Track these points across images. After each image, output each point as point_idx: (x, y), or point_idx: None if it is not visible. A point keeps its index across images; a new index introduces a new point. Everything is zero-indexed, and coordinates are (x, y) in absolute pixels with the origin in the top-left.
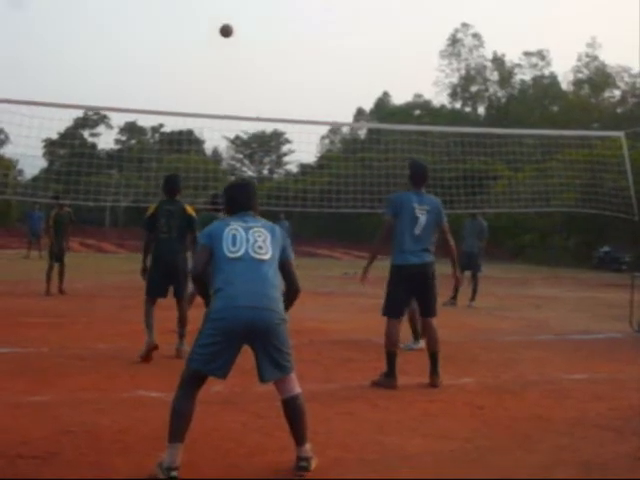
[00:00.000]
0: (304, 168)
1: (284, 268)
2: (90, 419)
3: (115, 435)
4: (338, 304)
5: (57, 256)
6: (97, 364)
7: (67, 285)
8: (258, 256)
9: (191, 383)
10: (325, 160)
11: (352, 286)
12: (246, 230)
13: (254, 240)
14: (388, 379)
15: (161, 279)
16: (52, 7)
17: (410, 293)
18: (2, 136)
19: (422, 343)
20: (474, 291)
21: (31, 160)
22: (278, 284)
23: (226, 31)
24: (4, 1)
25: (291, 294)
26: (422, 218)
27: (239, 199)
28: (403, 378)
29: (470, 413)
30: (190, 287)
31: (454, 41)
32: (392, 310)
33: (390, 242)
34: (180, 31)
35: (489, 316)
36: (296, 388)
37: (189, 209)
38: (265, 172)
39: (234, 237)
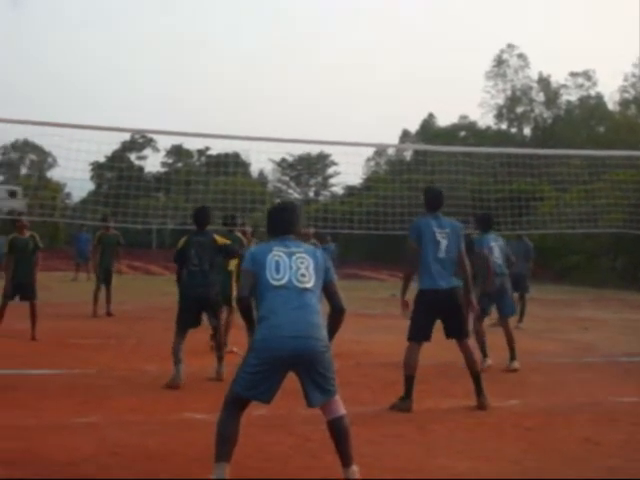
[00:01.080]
0: (350, 190)
1: (328, 290)
2: (137, 441)
3: (162, 457)
4: (384, 326)
5: (103, 278)
6: (144, 386)
7: (115, 307)
8: (301, 285)
9: (234, 406)
10: (371, 182)
11: (398, 308)
12: (289, 256)
13: (297, 267)
14: (404, 402)
15: (192, 310)
16: (97, 32)
17: (436, 317)
18: (50, 159)
19: (489, 361)
20: (522, 313)
21: (79, 183)
22: (320, 311)
23: None
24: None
25: (336, 315)
26: (443, 242)
27: (281, 222)
28: (449, 400)
29: (518, 435)
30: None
31: (500, 62)
32: (416, 334)
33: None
34: (225, 54)
35: (536, 338)
36: (341, 409)
37: (219, 239)
38: (311, 194)
39: (277, 264)
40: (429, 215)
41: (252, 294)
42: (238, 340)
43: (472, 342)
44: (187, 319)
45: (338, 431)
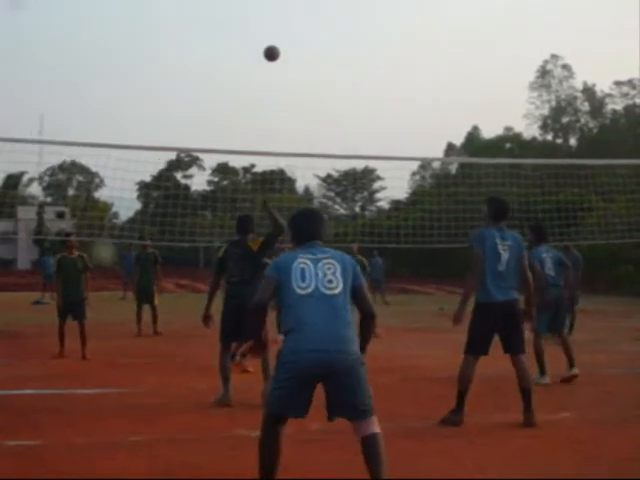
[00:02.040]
0: (396, 204)
1: (357, 294)
2: (189, 459)
3: (215, 474)
4: (432, 340)
5: (144, 297)
6: (194, 404)
7: (162, 325)
8: (329, 291)
9: (272, 424)
10: (417, 196)
11: (446, 322)
12: (315, 263)
13: (323, 274)
14: (455, 415)
15: (234, 324)
16: (141, 56)
17: (494, 331)
18: (97, 180)
19: (547, 379)
20: (571, 324)
21: (126, 203)
22: (351, 320)
23: (271, 54)
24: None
25: (367, 322)
26: (505, 254)
27: (306, 228)
28: (500, 414)
29: (571, 448)
30: None
31: (544, 73)
32: (473, 348)
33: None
34: (268, 72)
35: (586, 350)
36: (374, 427)
37: (253, 245)
38: (357, 209)
39: (303, 271)
40: (492, 226)
41: (271, 303)
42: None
43: (527, 357)
44: (229, 333)
45: (370, 449)
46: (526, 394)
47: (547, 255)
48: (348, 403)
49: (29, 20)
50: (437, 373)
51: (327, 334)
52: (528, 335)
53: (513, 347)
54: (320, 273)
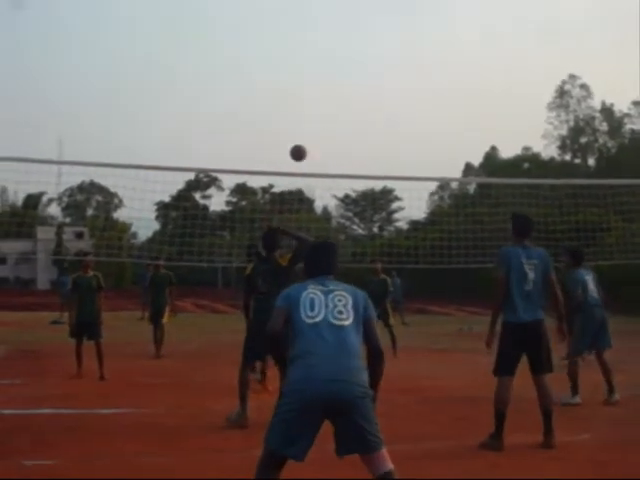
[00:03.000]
0: (414, 224)
1: (365, 328)
2: None
3: None
4: (452, 361)
5: (153, 318)
6: (213, 424)
7: (181, 345)
8: (339, 322)
9: (270, 465)
10: (435, 216)
11: (466, 342)
12: (326, 294)
13: (334, 305)
14: (494, 440)
15: (260, 342)
16: (151, 77)
17: (521, 351)
18: (116, 200)
19: (579, 398)
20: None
21: (145, 223)
22: (360, 352)
23: (298, 154)
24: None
25: (374, 359)
26: (531, 273)
27: (318, 262)
28: (521, 435)
29: (592, 470)
30: None
31: (562, 93)
32: (503, 368)
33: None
34: (284, 91)
35: (614, 369)
36: (387, 464)
37: (281, 260)
38: (375, 229)
39: (312, 301)
40: (517, 244)
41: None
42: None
43: (547, 378)
44: (253, 353)
45: None
46: (547, 415)
47: (589, 277)
48: (358, 438)
49: (46, 44)
50: (457, 393)
51: (335, 364)
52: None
53: (538, 367)
54: (330, 304)
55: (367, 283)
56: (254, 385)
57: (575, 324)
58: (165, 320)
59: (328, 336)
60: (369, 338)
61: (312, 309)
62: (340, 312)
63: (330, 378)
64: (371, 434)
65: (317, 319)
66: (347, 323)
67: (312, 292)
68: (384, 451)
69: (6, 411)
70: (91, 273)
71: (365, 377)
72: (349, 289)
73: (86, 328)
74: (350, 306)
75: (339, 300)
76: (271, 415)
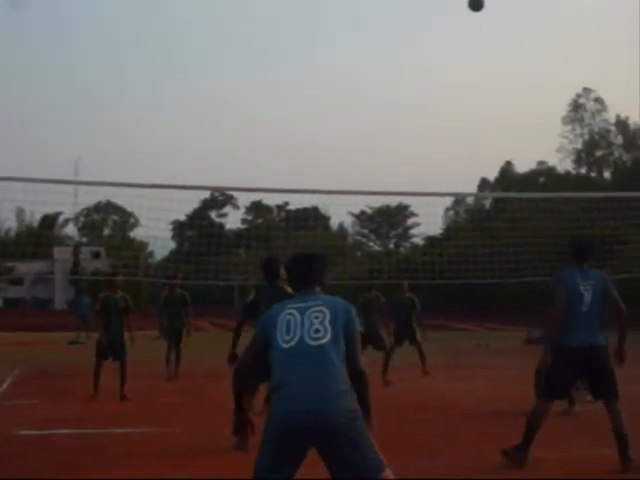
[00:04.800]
0: (430, 240)
1: (345, 345)
2: None
3: None
4: (471, 376)
5: (173, 339)
6: (231, 444)
7: (198, 365)
8: (315, 342)
9: None
10: (451, 231)
11: (484, 358)
12: (302, 312)
13: (310, 323)
14: (519, 453)
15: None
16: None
17: (576, 376)
18: (132, 220)
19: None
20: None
21: (161, 242)
22: (341, 374)
23: (476, 4)
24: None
25: (356, 380)
26: (587, 294)
27: (300, 274)
28: (538, 450)
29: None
30: None
31: (576, 106)
32: (551, 392)
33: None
34: (301, 108)
35: (633, 383)
36: None
37: (289, 289)
38: (391, 246)
39: (288, 323)
40: (574, 267)
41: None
42: None
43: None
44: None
45: None
46: (622, 439)
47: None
48: (349, 463)
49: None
50: (477, 409)
51: (312, 392)
52: None
53: (604, 393)
54: (307, 322)
55: (394, 301)
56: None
57: None
58: (182, 344)
59: (305, 360)
60: (348, 357)
61: (288, 332)
62: (317, 330)
63: (306, 409)
64: (363, 457)
65: (292, 343)
66: (324, 341)
67: (289, 312)
68: (387, 472)
69: (23, 431)
70: (120, 293)
71: (350, 400)
72: (329, 302)
73: (113, 349)
74: (328, 321)
75: (316, 317)
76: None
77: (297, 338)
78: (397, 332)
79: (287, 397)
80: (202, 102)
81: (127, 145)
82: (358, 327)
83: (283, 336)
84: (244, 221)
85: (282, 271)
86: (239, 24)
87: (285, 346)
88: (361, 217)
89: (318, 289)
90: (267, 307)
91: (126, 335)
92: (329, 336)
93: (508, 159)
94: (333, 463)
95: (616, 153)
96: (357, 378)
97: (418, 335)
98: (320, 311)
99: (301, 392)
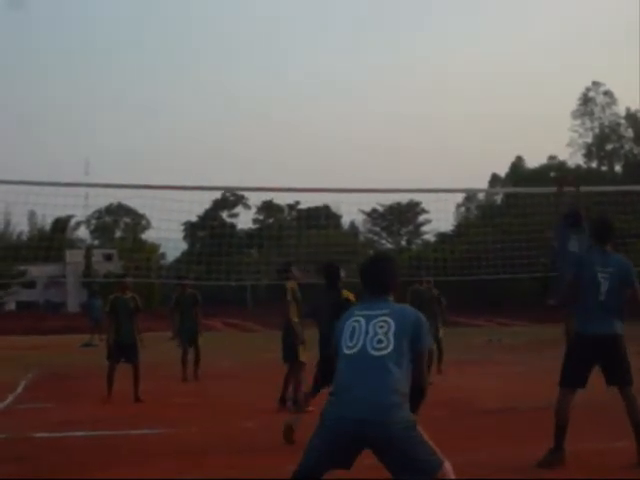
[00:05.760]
0: (442, 237)
1: (413, 360)
2: None
3: None
4: (483, 372)
5: (188, 340)
6: (244, 443)
7: (212, 365)
8: (377, 352)
9: None
10: (463, 227)
11: (496, 353)
12: (368, 320)
13: (374, 332)
14: (554, 454)
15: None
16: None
17: (592, 363)
18: (144, 221)
19: None
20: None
21: (173, 243)
22: (399, 386)
23: None
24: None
25: (414, 393)
26: (605, 283)
27: (370, 280)
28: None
29: (630, 477)
30: None
31: (586, 100)
32: (569, 380)
33: (573, 302)
34: (310, 108)
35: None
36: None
37: (347, 294)
38: (403, 243)
39: (353, 330)
40: (596, 249)
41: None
42: None
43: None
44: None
45: None
46: (638, 428)
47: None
48: (405, 467)
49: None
50: (490, 405)
51: (369, 402)
52: None
53: (618, 379)
54: (371, 331)
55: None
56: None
57: None
58: (200, 343)
59: (364, 369)
60: (414, 372)
61: (351, 339)
62: (380, 341)
63: (361, 418)
64: (418, 460)
65: (355, 350)
66: (386, 352)
67: (355, 319)
68: (444, 471)
69: (38, 434)
70: (129, 294)
71: (405, 412)
72: (397, 313)
73: (124, 350)
74: (392, 333)
75: (380, 327)
76: (307, 433)
77: (360, 346)
78: None
79: (342, 403)
80: (202, 101)
81: (129, 145)
82: (428, 343)
83: (347, 342)
84: (255, 221)
85: (295, 273)
86: (239, 24)
87: (348, 352)
88: (372, 215)
89: (390, 297)
90: (326, 311)
91: (137, 336)
92: (391, 347)
93: (518, 154)
94: (387, 465)
95: (626, 146)
96: (416, 394)
97: (441, 332)
98: (385, 321)
99: (356, 400)
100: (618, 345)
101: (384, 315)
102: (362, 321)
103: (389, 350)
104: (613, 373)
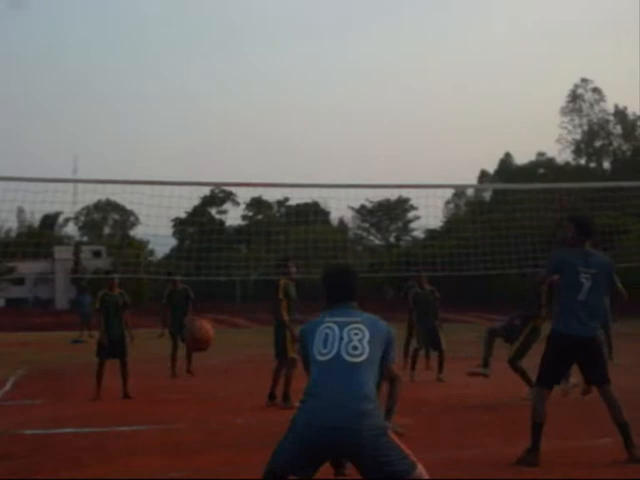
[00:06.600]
0: (431, 233)
1: (384, 371)
2: None
3: None
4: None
5: (179, 336)
6: (234, 439)
7: (201, 361)
8: (352, 359)
9: None
10: (452, 224)
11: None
12: (341, 327)
13: (349, 339)
14: (529, 455)
15: None
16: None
17: (569, 363)
18: (132, 218)
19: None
20: (610, 346)
21: (161, 240)
22: (371, 394)
23: None
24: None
25: (390, 383)
26: (587, 283)
27: (337, 289)
28: (545, 442)
29: (616, 474)
30: None
31: (574, 97)
32: (546, 379)
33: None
34: (302, 107)
35: (628, 373)
36: None
37: None
38: (392, 239)
39: (326, 336)
40: (577, 249)
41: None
42: None
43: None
44: None
45: None
46: (622, 427)
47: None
48: (376, 471)
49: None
50: (479, 402)
51: (342, 408)
52: None
53: (595, 378)
54: (346, 337)
55: (414, 296)
56: None
57: None
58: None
59: (338, 375)
60: (390, 386)
61: (325, 345)
62: (355, 347)
63: (333, 425)
64: (391, 464)
65: (329, 356)
66: (361, 360)
67: (327, 326)
68: (417, 473)
69: (27, 431)
70: (117, 291)
71: (376, 419)
72: (369, 321)
73: (114, 347)
74: (366, 341)
75: (355, 334)
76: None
77: (334, 352)
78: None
79: (313, 410)
80: (201, 102)
81: (120, 142)
82: (395, 358)
83: (320, 349)
84: (244, 217)
85: (292, 269)
86: (239, 23)
87: (321, 359)
88: (361, 211)
89: (354, 304)
90: None
91: (126, 332)
92: (366, 355)
93: (507, 151)
94: (361, 470)
95: (615, 143)
96: (392, 382)
97: (443, 342)
98: (359, 329)
99: (329, 407)
100: (597, 346)
101: (357, 322)
102: (335, 327)
103: (364, 357)
104: (592, 372)
